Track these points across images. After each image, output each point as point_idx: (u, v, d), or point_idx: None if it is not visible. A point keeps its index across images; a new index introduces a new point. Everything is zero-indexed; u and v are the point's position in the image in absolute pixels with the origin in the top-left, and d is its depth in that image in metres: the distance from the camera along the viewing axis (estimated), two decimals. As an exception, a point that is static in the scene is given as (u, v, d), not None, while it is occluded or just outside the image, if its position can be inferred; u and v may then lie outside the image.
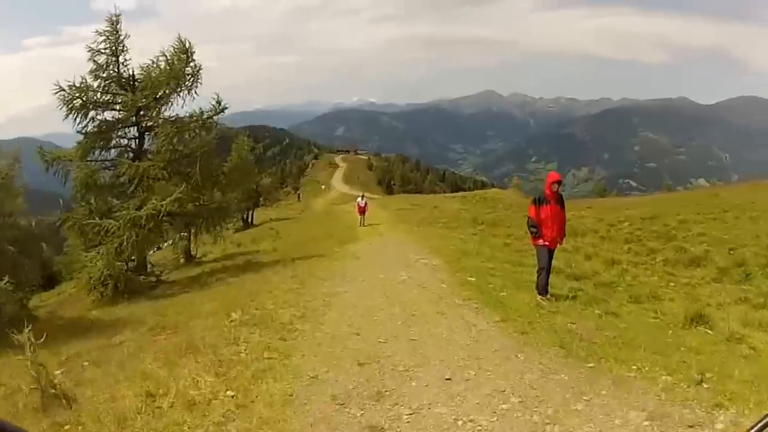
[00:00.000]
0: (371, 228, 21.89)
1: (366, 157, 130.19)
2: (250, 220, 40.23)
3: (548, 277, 7.76)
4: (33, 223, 14.82)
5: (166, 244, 24.98)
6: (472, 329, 6.01)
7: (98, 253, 12.99)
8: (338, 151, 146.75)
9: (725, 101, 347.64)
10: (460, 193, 57.46)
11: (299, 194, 66.12)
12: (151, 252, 23.95)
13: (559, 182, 7.62)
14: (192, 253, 21.82)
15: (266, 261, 14.79)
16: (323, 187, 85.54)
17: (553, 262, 8.13)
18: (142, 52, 14.42)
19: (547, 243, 7.59)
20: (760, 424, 0.99)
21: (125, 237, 12.78)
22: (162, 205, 12.83)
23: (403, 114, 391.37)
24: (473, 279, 9.11)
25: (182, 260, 21.65)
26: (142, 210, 12.92)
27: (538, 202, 7.66)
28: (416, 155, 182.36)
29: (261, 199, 41.61)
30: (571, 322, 6.40)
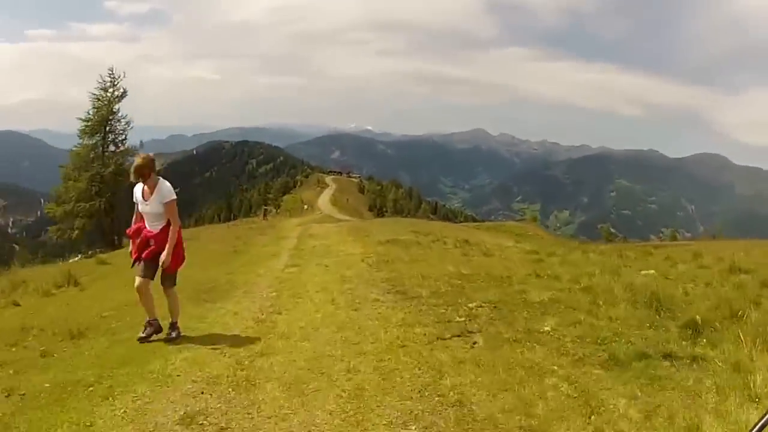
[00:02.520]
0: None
1: (358, 180, 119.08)
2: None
3: None
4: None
5: None
6: None
7: None
8: (330, 171, 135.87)
9: (692, 156, 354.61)
10: (470, 223, 46.16)
11: (265, 210, 53.17)
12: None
13: None
14: None
15: None
16: (305, 206, 73.48)
17: None
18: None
19: None
20: (761, 423, 0.97)
21: None
22: None
23: (398, 143, 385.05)
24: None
25: None
26: None
27: None
28: (408, 184, 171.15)
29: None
30: None
